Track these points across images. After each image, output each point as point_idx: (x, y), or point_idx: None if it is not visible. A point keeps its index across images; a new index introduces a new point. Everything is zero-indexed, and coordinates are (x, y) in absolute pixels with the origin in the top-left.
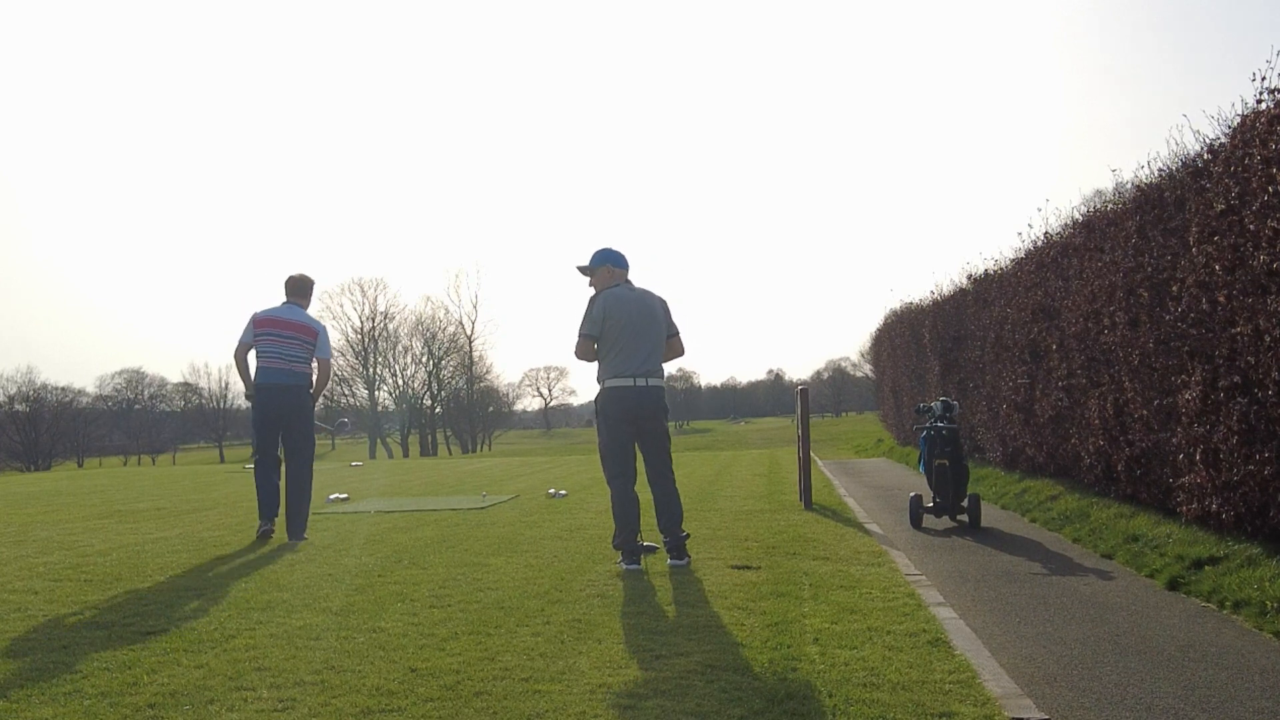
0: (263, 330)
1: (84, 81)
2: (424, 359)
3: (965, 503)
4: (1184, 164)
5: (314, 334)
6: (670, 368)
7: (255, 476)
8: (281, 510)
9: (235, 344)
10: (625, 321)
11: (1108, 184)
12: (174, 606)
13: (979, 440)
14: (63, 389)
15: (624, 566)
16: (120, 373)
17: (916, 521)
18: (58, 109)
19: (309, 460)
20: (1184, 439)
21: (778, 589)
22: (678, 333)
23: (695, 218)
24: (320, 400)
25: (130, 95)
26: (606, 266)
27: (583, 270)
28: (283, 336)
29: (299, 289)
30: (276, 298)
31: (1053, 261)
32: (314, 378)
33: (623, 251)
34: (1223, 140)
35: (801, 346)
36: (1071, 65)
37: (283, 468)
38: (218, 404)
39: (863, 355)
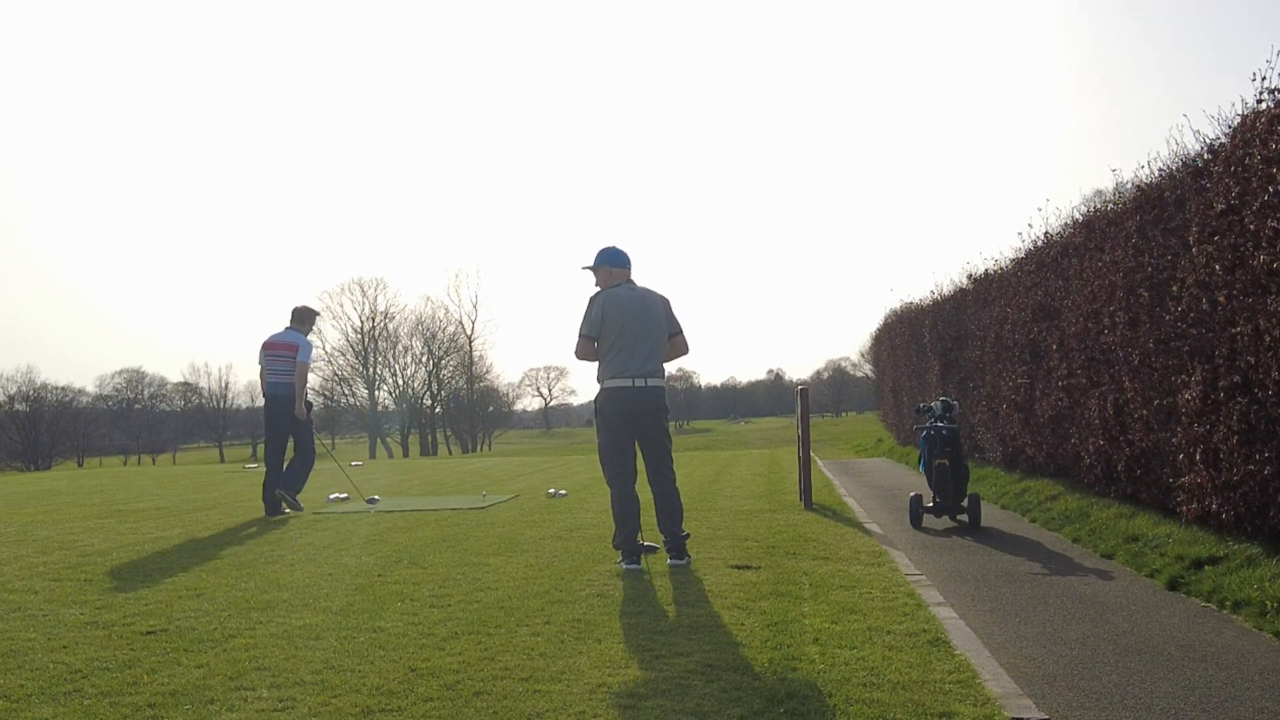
0: (266, 353)
1: (85, 81)
2: (424, 359)
3: (965, 503)
4: (1184, 164)
5: (295, 349)
6: (670, 367)
7: (266, 462)
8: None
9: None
10: (623, 322)
11: (1108, 184)
12: (174, 606)
13: (979, 440)
14: (63, 388)
15: (624, 566)
16: (120, 372)
17: (916, 521)
18: (59, 109)
19: (309, 444)
20: (1184, 439)
21: (778, 589)
22: (680, 331)
23: (696, 218)
24: (317, 400)
25: (131, 95)
26: (606, 267)
27: (590, 269)
28: (277, 356)
29: (299, 317)
30: (277, 297)
31: (1053, 261)
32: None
33: (626, 251)
34: (1223, 140)
35: (801, 346)
36: (1071, 65)
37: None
38: (218, 404)
39: (863, 355)
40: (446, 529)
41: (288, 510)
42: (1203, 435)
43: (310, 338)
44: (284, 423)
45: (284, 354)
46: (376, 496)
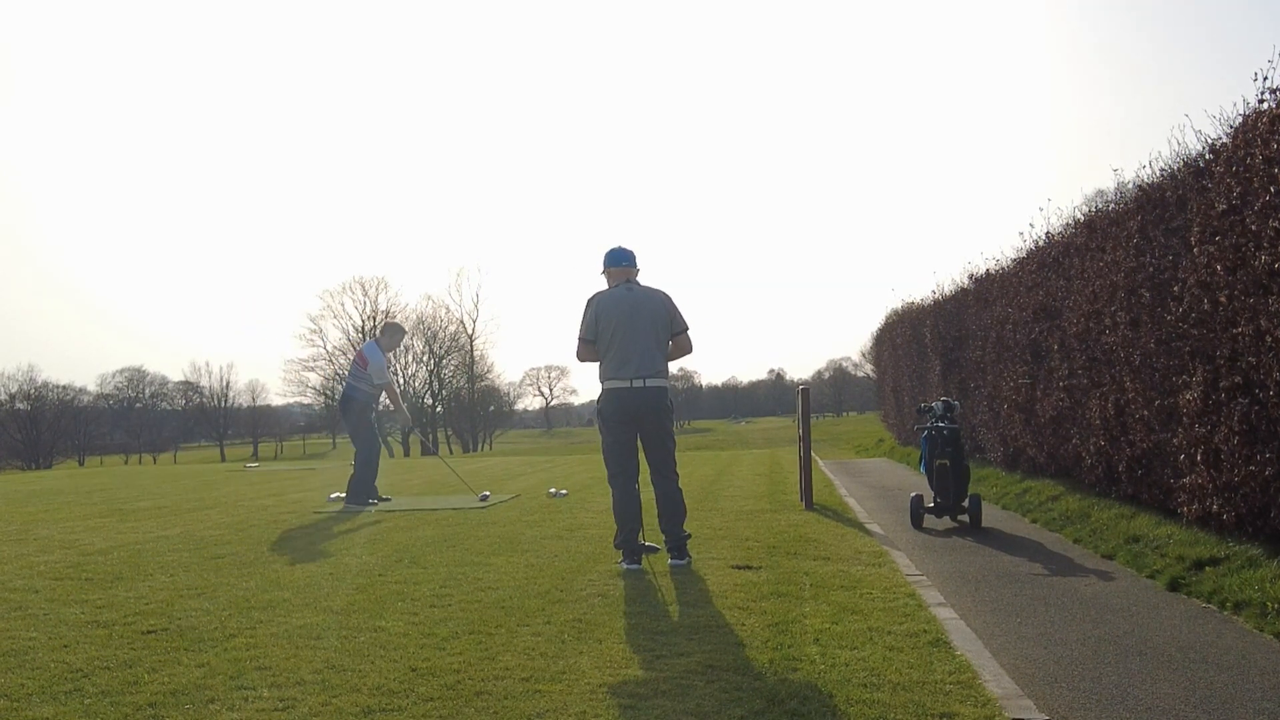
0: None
1: (87, 80)
2: (425, 358)
3: (966, 503)
4: (1186, 164)
5: (365, 361)
6: (671, 367)
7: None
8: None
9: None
10: (617, 323)
11: (1109, 184)
12: (174, 605)
13: (980, 440)
14: (64, 387)
15: (625, 566)
16: (121, 371)
17: (917, 522)
18: (61, 108)
19: (362, 449)
20: (1185, 439)
21: (778, 589)
22: (685, 329)
23: (697, 218)
24: (318, 400)
25: (133, 94)
26: (609, 268)
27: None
28: (352, 362)
29: (384, 330)
30: (278, 297)
31: (1054, 261)
32: (367, 389)
33: (630, 249)
34: (1224, 140)
35: (803, 346)
36: (1073, 65)
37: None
38: (219, 403)
39: (864, 355)
40: (447, 529)
41: (372, 503)
42: (1204, 436)
43: (315, 337)
44: (347, 419)
45: (357, 361)
46: (488, 493)
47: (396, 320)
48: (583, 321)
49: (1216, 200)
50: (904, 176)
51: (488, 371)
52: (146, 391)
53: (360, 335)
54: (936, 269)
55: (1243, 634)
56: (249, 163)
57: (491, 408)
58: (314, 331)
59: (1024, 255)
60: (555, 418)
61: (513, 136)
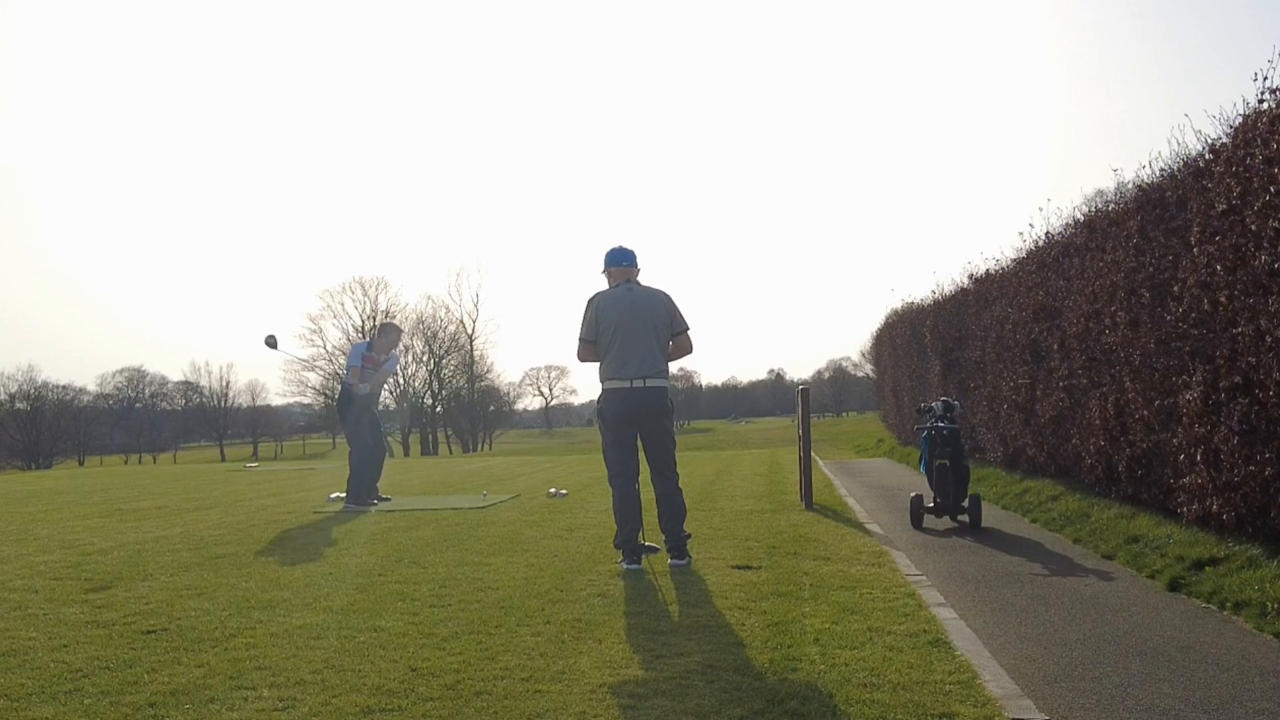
0: None
1: (89, 80)
2: (425, 358)
3: (966, 503)
4: (1186, 164)
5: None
6: (671, 367)
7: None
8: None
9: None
10: (617, 324)
11: (1109, 184)
12: (174, 605)
13: (980, 440)
14: (64, 387)
15: (625, 566)
16: (121, 371)
17: (917, 522)
18: (63, 107)
19: (358, 449)
20: (1185, 439)
21: (778, 589)
22: (686, 329)
23: (697, 217)
24: (318, 400)
25: (134, 94)
26: (610, 268)
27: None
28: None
29: (380, 330)
30: (279, 296)
31: (1054, 261)
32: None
33: (631, 249)
34: (1224, 140)
35: (803, 346)
36: (1073, 65)
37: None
38: (219, 402)
39: (864, 355)
40: (447, 528)
41: (373, 503)
42: (1204, 436)
43: (315, 337)
44: (345, 420)
45: (346, 358)
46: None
47: (393, 320)
48: (583, 322)
49: (1216, 200)
50: (904, 176)
51: (488, 371)
52: (146, 391)
53: (360, 335)
54: (936, 269)
55: (1243, 634)
56: (249, 163)
57: (491, 408)
58: (314, 331)
59: (1024, 255)
60: (555, 418)
61: (512, 136)
